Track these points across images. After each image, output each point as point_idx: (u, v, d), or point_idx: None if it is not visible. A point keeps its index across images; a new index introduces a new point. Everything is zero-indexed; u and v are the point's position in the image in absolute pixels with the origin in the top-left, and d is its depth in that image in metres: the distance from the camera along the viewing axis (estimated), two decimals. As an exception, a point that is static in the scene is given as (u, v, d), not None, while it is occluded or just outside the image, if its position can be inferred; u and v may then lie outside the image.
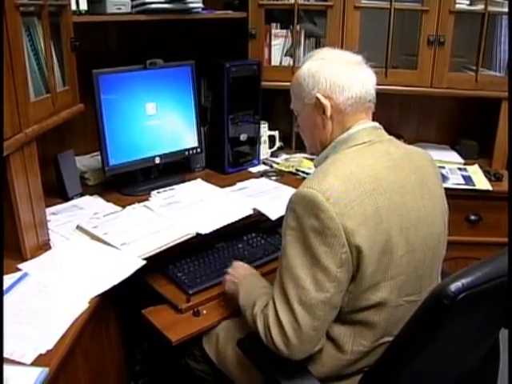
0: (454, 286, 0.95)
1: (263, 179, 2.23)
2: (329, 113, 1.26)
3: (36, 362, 1.09)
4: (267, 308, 1.21)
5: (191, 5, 2.05)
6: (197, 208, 1.87)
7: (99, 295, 1.34)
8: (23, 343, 1.14)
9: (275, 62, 2.42)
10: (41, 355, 1.11)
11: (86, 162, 2.19)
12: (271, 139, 2.50)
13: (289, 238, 1.16)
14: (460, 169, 2.40)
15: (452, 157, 2.53)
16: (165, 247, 1.59)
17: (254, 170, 2.35)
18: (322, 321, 1.15)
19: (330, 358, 1.23)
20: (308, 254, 1.12)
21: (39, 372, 1.06)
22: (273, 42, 2.39)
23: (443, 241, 1.32)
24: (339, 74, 1.26)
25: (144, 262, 1.49)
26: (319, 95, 1.26)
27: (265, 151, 2.47)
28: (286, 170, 2.34)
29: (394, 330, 1.21)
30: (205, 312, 1.49)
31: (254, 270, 1.53)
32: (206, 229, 1.69)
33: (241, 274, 1.46)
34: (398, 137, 2.46)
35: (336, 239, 1.09)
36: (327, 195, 1.10)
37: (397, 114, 2.67)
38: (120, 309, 1.58)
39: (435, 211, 1.27)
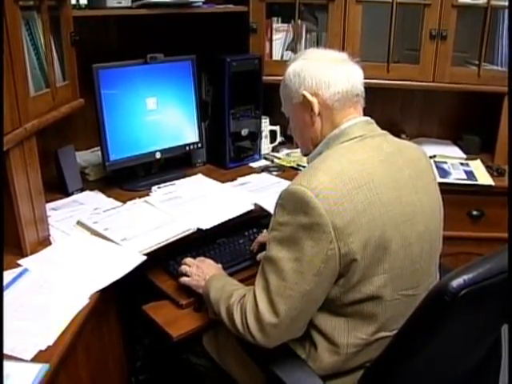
0: (455, 283, 0.94)
1: (264, 174, 2.22)
2: (316, 110, 1.27)
3: (36, 358, 1.09)
4: (245, 298, 1.22)
5: (192, -2, 2.04)
6: (198, 203, 1.86)
7: (100, 291, 1.34)
8: (23, 339, 1.14)
9: (276, 56, 2.41)
10: (41, 351, 1.11)
11: (87, 157, 2.18)
12: (272, 134, 2.49)
13: (276, 233, 1.16)
14: (462, 164, 2.39)
15: (454, 152, 2.52)
16: (165, 243, 1.59)
17: (255, 165, 2.34)
18: (299, 311, 1.16)
19: (327, 353, 1.22)
20: (294, 247, 1.12)
21: (39, 368, 1.05)
22: (274, 37, 2.38)
23: (440, 235, 1.32)
24: (324, 70, 1.26)
25: (145, 258, 1.49)
26: (305, 93, 1.27)
27: (266, 146, 2.46)
28: (288, 164, 2.34)
29: (392, 324, 1.21)
30: (206, 307, 1.49)
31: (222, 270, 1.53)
32: (207, 224, 1.69)
33: (211, 271, 1.46)
34: (400, 132, 2.49)
35: (324, 235, 1.09)
36: (316, 192, 1.10)
37: (399, 109, 2.65)
38: (121, 304, 1.57)
39: (431, 205, 1.27)
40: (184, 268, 1.51)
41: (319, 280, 1.13)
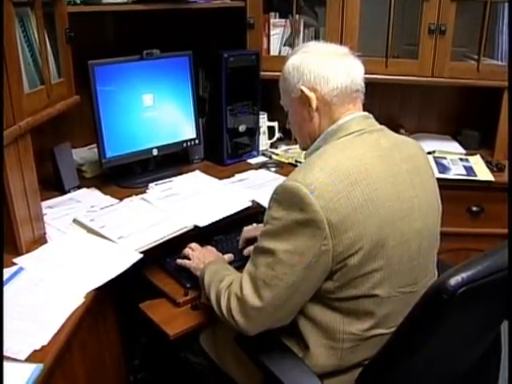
0: (453, 281, 0.93)
1: (262, 171, 2.21)
2: (314, 105, 1.25)
3: (30, 359, 1.08)
4: (233, 283, 1.23)
5: (188, -6, 2.03)
6: (195, 200, 1.85)
7: (96, 289, 1.33)
8: (18, 339, 1.13)
9: (274, 51, 2.39)
10: (35, 351, 1.10)
11: (83, 154, 2.17)
12: (270, 130, 2.48)
13: (270, 227, 1.16)
14: (461, 159, 2.37)
15: (453, 147, 2.50)
16: (162, 240, 1.58)
17: (253, 161, 2.33)
18: (284, 301, 1.15)
19: (323, 349, 1.21)
20: (287, 240, 1.12)
21: (33, 368, 1.04)
22: (272, 32, 2.36)
23: (437, 231, 1.31)
24: (323, 65, 1.25)
25: (141, 256, 1.48)
26: (304, 88, 1.25)
27: (264, 142, 2.45)
28: (286, 161, 2.32)
29: (390, 322, 1.20)
30: (203, 305, 1.48)
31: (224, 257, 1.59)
32: (204, 221, 1.68)
33: (212, 257, 1.52)
34: (399, 127, 2.48)
35: (319, 231, 1.09)
36: (312, 188, 1.09)
37: (398, 105, 2.64)
38: (118, 303, 1.57)
39: (428, 201, 1.26)
40: (187, 251, 1.56)
41: (308, 273, 1.12)
